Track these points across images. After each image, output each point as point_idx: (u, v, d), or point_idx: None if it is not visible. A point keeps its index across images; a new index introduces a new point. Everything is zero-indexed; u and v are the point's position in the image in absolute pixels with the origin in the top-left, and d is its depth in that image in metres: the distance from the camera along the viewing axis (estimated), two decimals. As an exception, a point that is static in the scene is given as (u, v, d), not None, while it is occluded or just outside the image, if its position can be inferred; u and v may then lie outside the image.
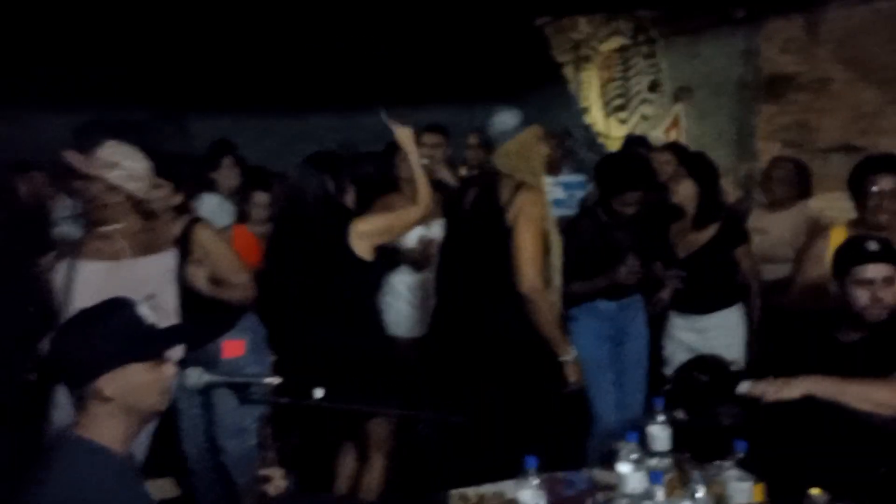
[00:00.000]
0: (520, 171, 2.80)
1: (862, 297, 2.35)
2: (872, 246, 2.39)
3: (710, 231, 3.48)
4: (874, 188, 2.86)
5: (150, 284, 2.25)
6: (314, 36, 7.69)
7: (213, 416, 2.96)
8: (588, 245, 3.28)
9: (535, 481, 1.76)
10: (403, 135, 2.94)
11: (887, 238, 2.67)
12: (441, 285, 3.30)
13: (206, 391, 2.64)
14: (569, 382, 2.83)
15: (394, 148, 3.84)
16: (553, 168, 4.68)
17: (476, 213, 2.92)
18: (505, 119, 2.85)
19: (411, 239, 3.66)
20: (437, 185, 3.78)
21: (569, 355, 2.82)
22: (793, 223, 3.94)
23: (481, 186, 2.96)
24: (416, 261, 3.61)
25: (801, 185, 4.22)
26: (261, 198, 3.92)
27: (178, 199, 2.90)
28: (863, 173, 2.94)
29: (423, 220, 3.62)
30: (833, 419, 2.21)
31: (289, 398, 1.78)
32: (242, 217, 3.88)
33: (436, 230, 3.50)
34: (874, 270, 2.34)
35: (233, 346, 2.88)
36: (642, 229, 3.38)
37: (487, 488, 1.91)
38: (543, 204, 2.84)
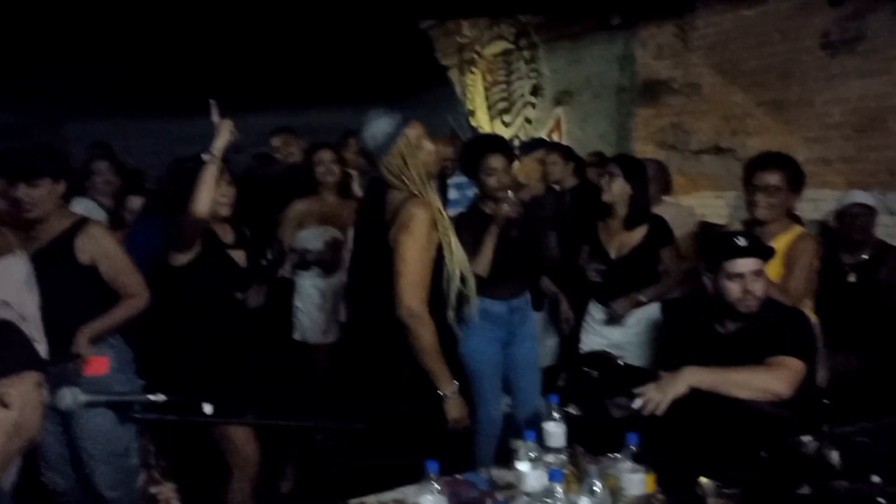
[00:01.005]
0: (409, 180, 2.48)
1: (733, 290, 2.47)
2: (741, 241, 2.51)
3: (640, 232, 3.51)
4: (754, 183, 3.04)
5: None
6: (198, 37, 7.42)
7: (78, 441, 2.71)
8: (471, 237, 3.21)
9: (437, 486, 1.74)
10: (223, 127, 2.77)
11: (755, 233, 2.85)
12: (348, 292, 3.18)
13: (66, 414, 2.42)
14: (449, 419, 2.46)
15: (312, 151, 3.79)
16: (447, 170, 4.72)
17: (364, 226, 2.68)
18: (381, 126, 2.51)
19: (317, 240, 3.58)
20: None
21: (449, 389, 2.46)
22: (670, 217, 4.11)
23: (372, 198, 2.64)
24: (324, 263, 3.54)
25: (663, 182, 4.42)
26: (134, 202, 3.73)
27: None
28: (750, 170, 3.12)
29: (336, 223, 3.57)
30: (716, 408, 2.31)
31: (176, 415, 1.67)
32: (118, 223, 3.68)
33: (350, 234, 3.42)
34: (743, 265, 2.45)
35: (96, 363, 2.66)
36: (536, 225, 3.44)
37: (387, 495, 1.87)
38: (430, 216, 2.44)
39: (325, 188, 3.71)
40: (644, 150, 5.85)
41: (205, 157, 2.77)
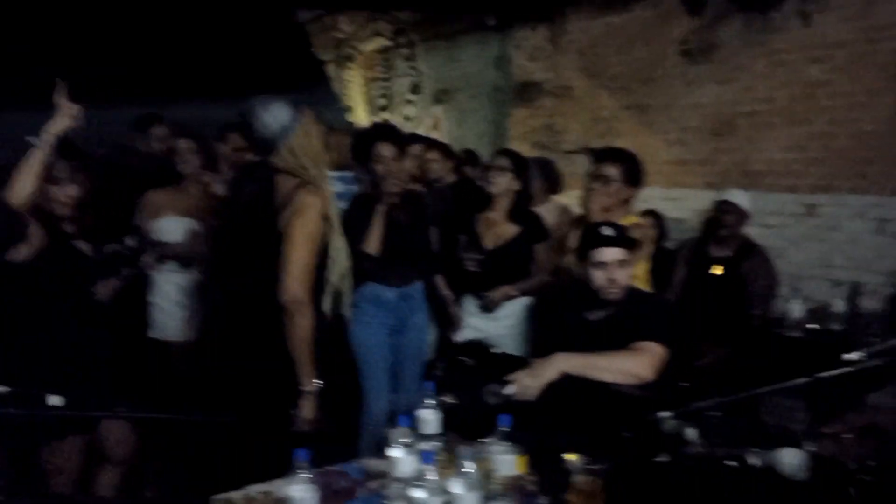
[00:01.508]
0: (304, 168, 2.48)
1: (598, 277, 2.58)
2: (607, 231, 2.62)
3: (518, 226, 3.63)
4: (593, 174, 3.29)
5: None
6: (74, 28, 6.97)
7: None
8: (363, 223, 3.31)
9: (306, 475, 1.69)
10: (64, 109, 2.55)
11: (623, 225, 2.98)
12: (211, 286, 3.07)
13: None
14: (300, 417, 2.42)
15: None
16: (341, 163, 4.66)
17: (250, 212, 2.61)
18: (278, 113, 2.49)
19: (176, 232, 3.41)
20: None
21: (309, 386, 2.43)
22: (548, 217, 4.23)
23: (259, 183, 2.58)
24: (181, 257, 3.37)
25: (547, 182, 4.55)
26: None
27: None
28: (593, 162, 3.38)
29: (197, 215, 3.42)
30: (584, 391, 2.39)
31: (19, 408, 1.55)
32: None
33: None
34: (608, 254, 2.57)
35: None
36: (422, 216, 3.49)
37: (255, 489, 1.80)
38: (324, 206, 2.49)
39: (188, 179, 3.55)
40: (519, 149, 5.97)
41: (32, 139, 2.56)
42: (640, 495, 1.79)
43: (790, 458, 1.23)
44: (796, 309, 3.81)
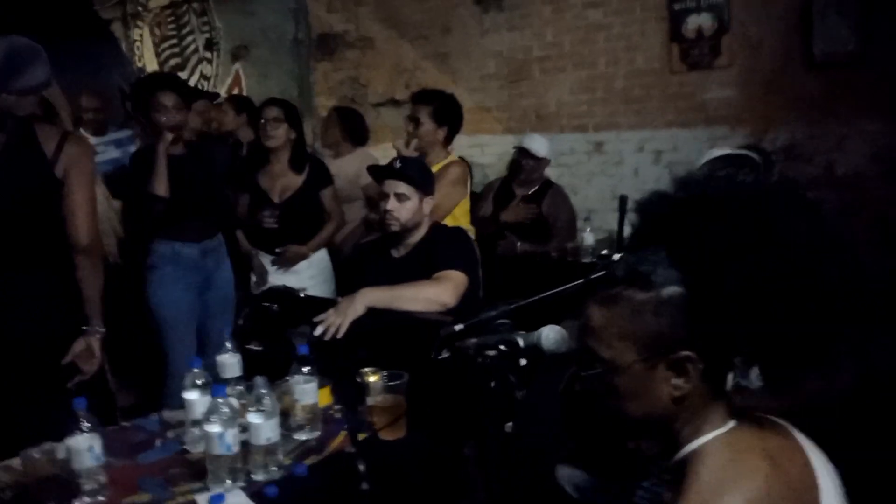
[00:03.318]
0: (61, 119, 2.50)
1: (381, 207, 2.63)
2: (396, 164, 2.68)
3: (302, 175, 3.62)
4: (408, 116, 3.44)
5: None
6: None
7: None
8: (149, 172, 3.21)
9: (86, 423, 1.59)
10: None
11: (422, 162, 3.04)
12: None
13: None
14: (83, 358, 2.42)
15: None
16: (99, 128, 4.33)
17: (9, 163, 2.44)
18: (38, 62, 2.42)
19: None
20: None
21: (94, 328, 2.44)
22: (355, 167, 4.22)
23: (10, 134, 2.48)
24: None
25: (351, 132, 4.54)
26: None
27: None
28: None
29: None
30: (392, 320, 2.43)
31: None
32: None
33: None
34: (390, 185, 2.63)
35: None
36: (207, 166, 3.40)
37: (34, 450, 1.66)
38: (92, 156, 2.63)
39: None
40: (326, 103, 5.90)
41: None
42: (430, 396, 1.86)
43: (551, 334, 1.34)
44: (589, 238, 4.11)
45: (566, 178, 4.88)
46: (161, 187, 3.18)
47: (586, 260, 3.96)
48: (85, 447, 1.57)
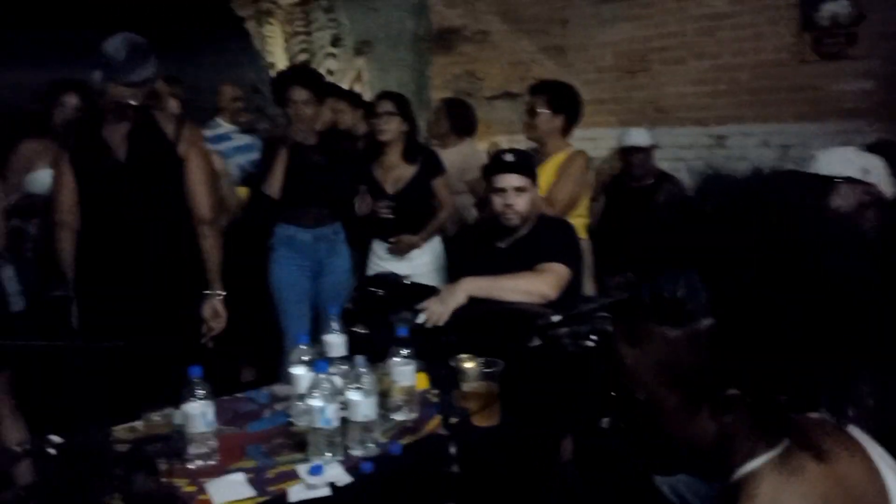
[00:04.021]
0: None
1: (497, 203, 2.63)
2: (508, 157, 2.67)
3: (415, 166, 3.69)
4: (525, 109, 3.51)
5: None
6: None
7: None
8: (287, 166, 3.41)
9: (202, 392, 1.71)
10: None
11: (528, 152, 3.04)
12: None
13: None
14: (204, 320, 2.79)
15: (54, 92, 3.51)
16: (236, 116, 4.68)
17: (138, 146, 2.72)
18: (143, 54, 2.65)
19: (47, 184, 3.32)
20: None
21: (215, 291, 2.79)
22: (460, 157, 4.27)
23: (136, 122, 2.70)
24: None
25: (457, 122, 4.56)
26: None
27: None
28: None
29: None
30: (491, 309, 2.45)
31: None
32: None
33: None
34: (506, 180, 2.62)
35: None
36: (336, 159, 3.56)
37: (154, 416, 1.81)
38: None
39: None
40: (441, 97, 5.98)
41: None
42: (524, 385, 1.87)
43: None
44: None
45: (683, 172, 4.73)
46: (274, 188, 3.41)
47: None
48: (199, 413, 1.69)
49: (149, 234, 2.64)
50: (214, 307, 2.77)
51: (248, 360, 4.07)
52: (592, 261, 3.47)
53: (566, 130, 3.49)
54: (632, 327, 0.97)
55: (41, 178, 3.12)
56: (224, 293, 2.78)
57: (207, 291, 2.76)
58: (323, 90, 3.66)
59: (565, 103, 3.43)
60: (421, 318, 2.43)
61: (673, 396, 0.95)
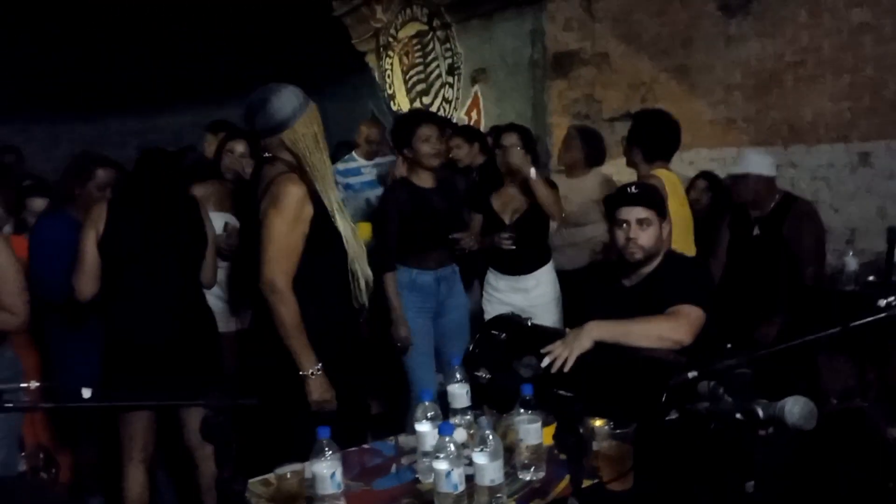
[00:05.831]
0: (300, 157, 2.43)
1: (619, 237, 2.52)
2: (632, 189, 2.57)
3: (529, 196, 3.65)
4: None
5: None
6: (107, 36, 7.21)
7: None
8: (409, 210, 3.40)
9: (329, 452, 1.72)
10: None
11: (654, 185, 2.92)
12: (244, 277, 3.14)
13: None
14: (311, 401, 2.37)
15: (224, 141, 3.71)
16: (370, 153, 4.83)
17: (246, 203, 2.68)
18: (288, 99, 2.42)
19: (217, 226, 3.50)
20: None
21: (309, 369, 2.36)
22: (590, 187, 4.17)
23: (254, 175, 2.62)
24: (221, 250, 3.47)
25: (590, 151, 4.46)
26: (37, 204, 3.68)
27: None
28: None
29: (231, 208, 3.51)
30: (619, 357, 2.34)
31: (52, 402, 1.62)
32: (20, 227, 3.60)
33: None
34: (628, 213, 2.50)
35: None
36: (455, 196, 3.57)
37: (285, 469, 1.84)
38: (302, 192, 2.38)
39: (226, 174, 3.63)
40: (559, 122, 5.90)
41: None
42: (659, 455, 1.76)
43: (795, 408, 1.19)
44: (851, 263, 3.65)
45: (824, 193, 4.43)
46: (391, 240, 3.42)
47: (848, 288, 3.53)
48: (328, 474, 1.71)
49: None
50: (311, 388, 2.38)
51: (374, 392, 4.12)
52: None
53: (648, 160, 3.57)
54: None
55: (214, 221, 3.28)
56: (319, 365, 2.39)
57: (301, 373, 2.38)
58: (444, 127, 3.70)
59: (639, 135, 3.62)
60: (545, 363, 2.36)
61: None
